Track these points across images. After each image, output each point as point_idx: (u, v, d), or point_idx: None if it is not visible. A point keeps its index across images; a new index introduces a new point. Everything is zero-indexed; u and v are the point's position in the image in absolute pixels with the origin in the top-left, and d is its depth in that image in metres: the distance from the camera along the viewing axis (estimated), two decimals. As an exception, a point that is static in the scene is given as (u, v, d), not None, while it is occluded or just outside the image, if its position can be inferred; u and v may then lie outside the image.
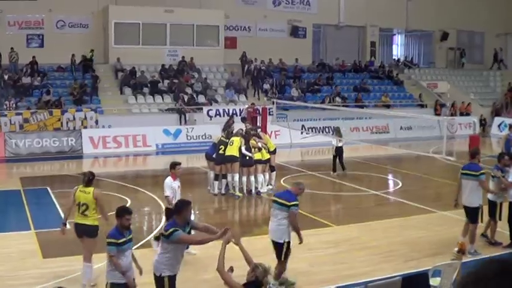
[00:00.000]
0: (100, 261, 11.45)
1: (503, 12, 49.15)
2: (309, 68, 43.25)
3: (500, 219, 14.36)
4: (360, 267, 12.22)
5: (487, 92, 47.25)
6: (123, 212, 9.57)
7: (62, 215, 16.97)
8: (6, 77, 33.18)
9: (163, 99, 35.52)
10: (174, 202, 12.45)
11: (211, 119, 33.53)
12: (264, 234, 15.75)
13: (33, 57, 34.61)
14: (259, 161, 20.20)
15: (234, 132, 21.03)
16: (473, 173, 13.85)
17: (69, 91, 33.73)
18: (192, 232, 10.27)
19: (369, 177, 24.17)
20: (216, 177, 20.01)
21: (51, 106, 31.56)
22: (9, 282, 11.62)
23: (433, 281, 9.98)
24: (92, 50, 36.41)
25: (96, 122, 31.63)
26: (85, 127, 30.97)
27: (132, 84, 35.65)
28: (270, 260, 11.32)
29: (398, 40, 51.25)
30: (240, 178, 20.05)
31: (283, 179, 22.60)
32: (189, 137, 31.79)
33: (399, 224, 16.54)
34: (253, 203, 19.99)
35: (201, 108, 34.69)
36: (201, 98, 36.06)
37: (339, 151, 24.26)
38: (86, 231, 11.58)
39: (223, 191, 20.18)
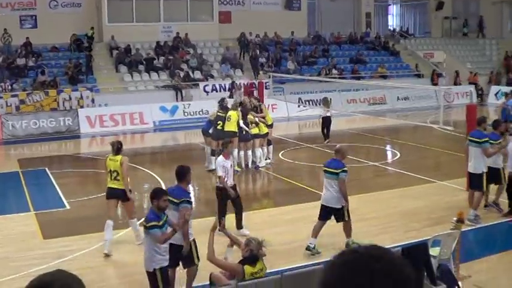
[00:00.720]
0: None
1: (498, -21, 48.89)
2: (305, 41, 43.07)
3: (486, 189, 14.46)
4: (359, 239, 12.22)
5: (483, 60, 47.04)
6: (161, 194, 9.41)
7: (62, 195, 17.16)
8: (0, 59, 33.00)
9: (159, 76, 35.41)
10: (227, 181, 12.91)
11: (207, 95, 33.48)
12: (262, 208, 15.85)
13: (27, 38, 34.40)
14: (257, 135, 20.20)
15: (230, 105, 20.94)
16: (477, 140, 14.04)
17: (64, 71, 33.59)
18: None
19: (367, 149, 24.18)
20: (213, 153, 19.91)
21: (47, 86, 31.47)
22: (13, 264, 11.64)
23: (433, 251, 10.00)
24: (92, 28, 36.27)
25: (93, 101, 31.57)
26: (81, 106, 30.93)
27: (127, 62, 35.52)
28: (269, 234, 11.40)
29: (394, 10, 51.08)
30: (238, 153, 20.04)
31: (281, 152, 22.62)
32: (186, 113, 31.77)
33: (398, 194, 16.55)
34: (251, 178, 20.02)
35: (197, 84, 34.63)
36: (197, 74, 35.96)
37: (326, 121, 24.78)
38: (118, 195, 12.66)
39: None
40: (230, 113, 19.70)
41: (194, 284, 10.17)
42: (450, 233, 10.50)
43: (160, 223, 9.14)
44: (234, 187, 13.34)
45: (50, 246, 12.79)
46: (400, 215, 14.15)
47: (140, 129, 30.25)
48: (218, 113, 20.05)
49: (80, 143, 28.04)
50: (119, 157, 12.60)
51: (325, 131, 24.87)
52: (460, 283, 10.19)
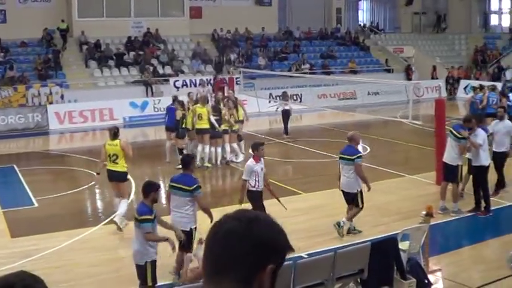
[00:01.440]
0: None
1: (466, -25, 49.31)
2: (275, 36, 43.09)
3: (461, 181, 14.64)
4: (331, 234, 12.29)
5: (452, 55, 47.50)
6: (155, 187, 9.66)
7: (30, 193, 16.97)
8: (-32, 54, 32.58)
9: (129, 71, 35.21)
10: (257, 186, 12.38)
11: (178, 90, 33.22)
12: (232, 204, 15.78)
13: (-4, 33, 34.00)
14: (226, 131, 20.18)
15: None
16: (457, 134, 14.19)
17: (33, 66, 33.23)
18: None
19: (337, 144, 24.16)
20: (181, 152, 19.61)
21: (16, 82, 31.11)
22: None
23: (402, 245, 10.05)
24: (63, 20, 35.82)
25: (62, 97, 31.29)
26: (51, 102, 30.61)
27: (97, 57, 35.26)
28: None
29: (364, 6, 51.22)
30: (209, 149, 19.99)
31: (252, 148, 22.53)
32: (156, 109, 31.53)
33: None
34: (221, 174, 19.96)
35: (168, 80, 34.48)
36: (168, 69, 35.82)
37: (286, 114, 25.36)
38: (117, 177, 13.70)
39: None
40: (200, 110, 19.65)
41: (161, 283, 10.14)
42: (419, 226, 10.57)
43: (152, 216, 9.35)
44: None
45: (17, 245, 12.65)
46: (370, 210, 14.16)
47: (110, 126, 29.89)
48: (183, 112, 19.87)
49: (49, 140, 27.78)
50: (117, 141, 13.63)
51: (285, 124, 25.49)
52: (429, 276, 10.26)
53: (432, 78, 41.14)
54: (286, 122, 25.44)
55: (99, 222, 14.24)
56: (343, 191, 13.11)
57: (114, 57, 35.50)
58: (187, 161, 11.08)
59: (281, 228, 2.40)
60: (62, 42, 35.67)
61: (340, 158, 13.06)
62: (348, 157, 12.78)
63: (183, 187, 10.44)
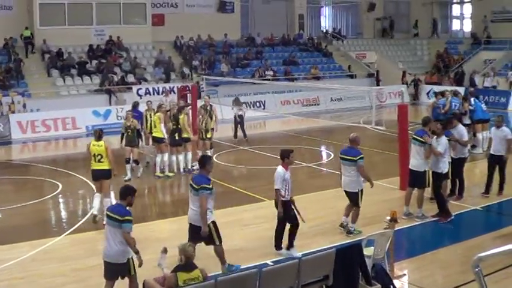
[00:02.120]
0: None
1: (427, -20, 49.88)
2: (238, 43, 43.18)
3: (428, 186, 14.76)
4: (296, 241, 12.27)
5: (414, 60, 48.00)
6: (133, 191, 9.83)
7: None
8: None
9: (91, 80, 34.94)
10: (287, 195, 12.07)
11: (141, 98, 33.07)
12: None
13: (-45, 42, 33.53)
14: (188, 139, 20.14)
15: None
16: (420, 139, 14.42)
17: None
18: None
19: (300, 150, 24.28)
20: (128, 161, 19.36)
21: (-24, 92, 30.73)
22: None
23: (367, 251, 10.11)
24: (27, 28, 35.44)
25: (24, 106, 30.95)
26: (13, 112, 30.26)
27: (59, 66, 34.96)
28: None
29: (326, 12, 51.49)
30: (169, 157, 19.94)
31: (216, 155, 22.52)
32: (119, 117, 31.19)
33: (333, 195, 16.38)
34: (184, 182, 19.80)
35: (131, 88, 34.32)
36: (130, 77, 35.65)
37: (240, 119, 26.36)
38: (103, 175, 14.62)
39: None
40: (154, 118, 19.68)
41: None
42: (383, 232, 10.63)
43: (132, 218, 9.51)
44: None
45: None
46: (336, 216, 14.20)
47: (73, 135, 29.72)
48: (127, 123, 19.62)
49: (11, 149, 27.44)
50: (101, 142, 14.67)
51: (239, 129, 26.37)
52: (395, 282, 10.33)
53: (402, 83, 41.38)
54: (242, 127, 26.31)
55: (63, 232, 14.09)
56: (344, 191, 13.52)
57: (77, 66, 35.22)
58: (203, 161, 11.43)
59: None
60: (25, 50, 35.29)
61: (342, 159, 13.47)
62: (351, 158, 13.22)
63: (194, 186, 10.90)
